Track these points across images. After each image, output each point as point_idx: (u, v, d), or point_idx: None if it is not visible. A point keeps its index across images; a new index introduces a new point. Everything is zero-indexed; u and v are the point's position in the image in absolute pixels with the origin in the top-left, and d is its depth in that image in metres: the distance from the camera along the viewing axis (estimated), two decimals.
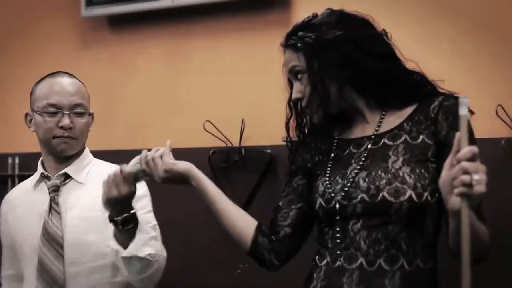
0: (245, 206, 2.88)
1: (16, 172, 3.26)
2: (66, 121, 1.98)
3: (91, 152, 2.14)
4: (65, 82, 2.03)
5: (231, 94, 2.93)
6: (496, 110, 2.40)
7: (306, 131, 1.80)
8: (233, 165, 2.88)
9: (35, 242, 1.98)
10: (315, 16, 1.72)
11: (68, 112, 1.99)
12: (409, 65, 1.71)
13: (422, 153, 1.62)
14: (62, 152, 2.00)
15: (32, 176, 2.11)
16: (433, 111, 1.64)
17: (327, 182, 1.68)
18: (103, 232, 1.89)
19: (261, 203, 2.83)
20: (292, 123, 1.79)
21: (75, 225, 1.99)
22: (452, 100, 1.63)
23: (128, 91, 3.14)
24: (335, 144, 1.74)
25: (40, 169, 2.06)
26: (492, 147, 2.38)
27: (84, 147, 2.09)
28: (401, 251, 1.60)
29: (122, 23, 3.16)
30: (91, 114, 2.06)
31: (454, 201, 1.37)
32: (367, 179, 1.62)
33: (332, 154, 1.73)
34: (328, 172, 1.70)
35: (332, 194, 1.65)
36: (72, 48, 3.28)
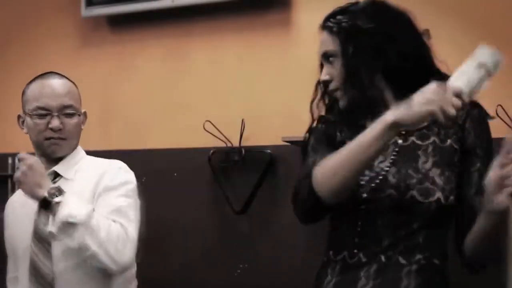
0: (245, 206, 2.90)
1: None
2: (55, 122, 1.98)
3: (91, 152, 2.13)
4: (55, 83, 2.03)
5: (231, 94, 2.93)
6: (496, 110, 2.40)
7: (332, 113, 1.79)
8: (233, 165, 2.88)
9: (28, 243, 1.98)
10: (356, 3, 1.73)
11: (57, 114, 1.99)
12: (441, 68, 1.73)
13: (449, 157, 1.65)
14: (52, 153, 2.00)
15: None
16: (461, 118, 1.67)
17: None
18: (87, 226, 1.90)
19: (261, 203, 2.83)
20: (318, 103, 1.78)
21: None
22: (476, 109, 1.69)
23: (128, 91, 3.14)
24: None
25: None
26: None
27: (77, 146, 2.09)
28: (419, 247, 1.62)
29: (122, 23, 3.16)
30: (82, 114, 2.05)
31: (501, 200, 1.41)
32: (396, 176, 1.64)
33: None
34: None
35: (358, 186, 1.65)
36: (72, 48, 3.28)
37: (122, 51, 3.15)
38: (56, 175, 2.03)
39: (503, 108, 2.43)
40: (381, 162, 1.67)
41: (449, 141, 1.67)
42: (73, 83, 2.07)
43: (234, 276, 2.78)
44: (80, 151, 2.09)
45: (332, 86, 1.72)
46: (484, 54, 1.48)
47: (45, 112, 1.99)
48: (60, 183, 2.03)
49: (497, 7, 2.52)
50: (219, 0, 2.91)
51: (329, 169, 1.59)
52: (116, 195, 1.98)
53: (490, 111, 2.41)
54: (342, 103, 1.72)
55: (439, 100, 1.45)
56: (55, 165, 2.03)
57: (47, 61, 3.25)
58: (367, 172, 1.65)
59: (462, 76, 1.48)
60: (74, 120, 2.01)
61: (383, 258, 1.62)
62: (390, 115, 1.50)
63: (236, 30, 2.93)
